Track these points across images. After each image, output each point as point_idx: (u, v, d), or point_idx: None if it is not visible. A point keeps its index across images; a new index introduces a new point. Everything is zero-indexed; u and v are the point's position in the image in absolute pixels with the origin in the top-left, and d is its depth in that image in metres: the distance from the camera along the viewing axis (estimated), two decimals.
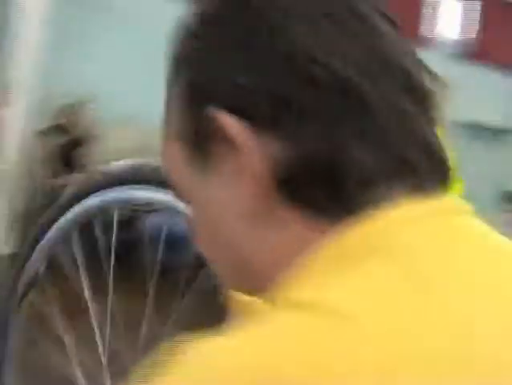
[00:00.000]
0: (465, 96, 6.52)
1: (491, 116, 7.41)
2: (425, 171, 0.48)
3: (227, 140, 0.48)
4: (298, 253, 0.48)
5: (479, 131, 7.47)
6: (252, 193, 0.48)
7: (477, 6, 7.57)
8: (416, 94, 0.49)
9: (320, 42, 0.46)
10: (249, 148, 0.47)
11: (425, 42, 7.00)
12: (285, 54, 0.47)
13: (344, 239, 0.46)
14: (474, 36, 7.55)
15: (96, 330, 1.32)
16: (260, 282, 0.53)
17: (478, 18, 7.58)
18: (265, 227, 0.50)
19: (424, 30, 7.20)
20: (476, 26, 7.54)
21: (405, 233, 0.46)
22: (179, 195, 0.59)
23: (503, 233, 0.54)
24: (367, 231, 0.46)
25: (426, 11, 7.23)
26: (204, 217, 0.56)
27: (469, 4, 7.49)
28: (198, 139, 0.51)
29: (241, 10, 0.49)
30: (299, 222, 0.48)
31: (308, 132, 0.46)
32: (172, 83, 0.54)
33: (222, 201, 0.52)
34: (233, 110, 0.47)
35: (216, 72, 0.49)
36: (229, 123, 0.47)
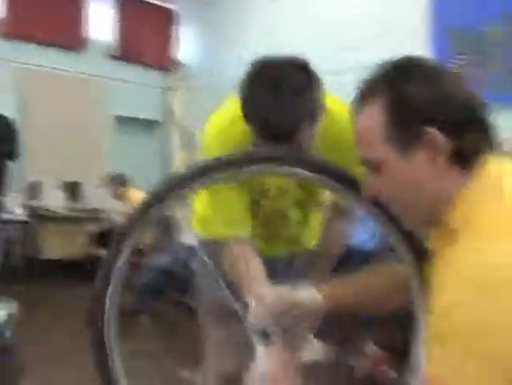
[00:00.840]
0: (116, 92, 7.73)
1: (141, 110, 8.32)
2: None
3: (431, 142, 1.06)
4: (457, 190, 1.07)
5: (131, 123, 8.29)
6: (440, 165, 1.07)
7: (122, 8, 8.15)
8: None
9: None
10: (442, 146, 1.06)
11: (82, 43, 7.72)
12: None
13: (481, 180, 1.06)
14: (121, 37, 8.14)
15: None
16: (435, 214, 1.10)
17: (119, 20, 8.09)
18: (444, 179, 1.08)
19: (81, 32, 7.71)
20: (124, 28, 8.16)
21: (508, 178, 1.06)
22: (373, 168, 1.15)
23: None
24: (490, 176, 1.06)
25: (82, 14, 7.69)
26: (403, 181, 1.11)
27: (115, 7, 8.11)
28: (409, 140, 1.08)
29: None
30: (457, 174, 1.08)
31: (467, 140, 1.07)
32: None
33: (420, 168, 1.08)
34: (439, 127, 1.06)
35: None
36: (438, 137, 1.06)
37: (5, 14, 7.05)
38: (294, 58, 1.60)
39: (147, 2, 8.34)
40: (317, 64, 1.60)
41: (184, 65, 8.50)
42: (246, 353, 1.68)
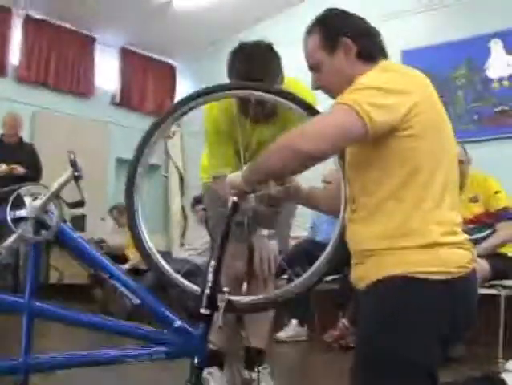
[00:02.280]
0: (119, 136, 8.45)
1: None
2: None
3: (345, 46, 1.82)
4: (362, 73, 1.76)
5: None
6: (352, 58, 1.83)
7: (126, 60, 9.01)
8: None
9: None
10: (351, 48, 1.82)
11: (91, 91, 8.54)
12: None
13: (378, 66, 1.80)
14: (123, 86, 8.94)
15: None
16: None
17: (121, 70, 8.92)
18: (354, 67, 1.81)
19: (90, 80, 8.54)
20: (127, 79, 9.00)
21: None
22: (315, 69, 1.89)
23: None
24: (381, 64, 1.81)
25: (92, 64, 8.53)
26: (332, 71, 1.85)
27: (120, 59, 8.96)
28: (333, 45, 1.84)
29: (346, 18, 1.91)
30: (363, 65, 1.81)
31: (366, 45, 1.83)
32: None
33: (342, 63, 1.83)
34: (349, 37, 1.82)
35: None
36: (349, 42, 1.82)
37: (23, 60, 7.88)
38: (262, 41, 2.52)
39: (149, 56, 9.21)
40: None
41: None
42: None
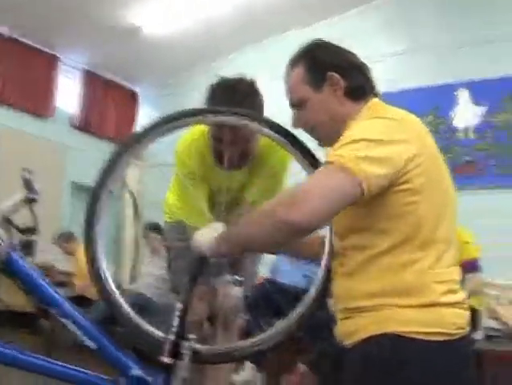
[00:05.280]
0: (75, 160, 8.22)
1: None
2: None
3: (332, 81, 1.66)
4: (351, 113, 1.65)
5: (87, 191, 8.36)
6: (340, 95, 1.66)
7: (88, 83, 8.79)
8: None
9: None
10: (339, 83, 1.66)
11: (50, 111, 8.23)
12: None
13: (366, 109, 1.64)
14: (84, 109, 8.73)
15: None
16: (343, 129, 1.59)
17: (83, 93, 8.71)
18: (343, 104, 1.66)
19: (50, 100, 8.25)
20: (88, 102, 8.77)
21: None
22: (299, 106, 1.71)
23: None
24: (372, 104, 1.67)
25: (53, 84, 8.25)
26: (317, 109, 1.68)
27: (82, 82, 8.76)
28: (319, 81, 1.67)
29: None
30: (352, 103, 1.66)
31: (355, 82, 1.68)
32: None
33: (329, 100, 1.67)
34: (336, 71, 1.66)
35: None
36: (337, 77, 1.65)
37: None
38: (244, 77, 2.33)
39: (112, 80, 9.01)
40: None
41: None
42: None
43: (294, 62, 1.74)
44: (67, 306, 1.69)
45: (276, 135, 1.89)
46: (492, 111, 6.10)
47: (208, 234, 1.66)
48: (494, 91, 6.06)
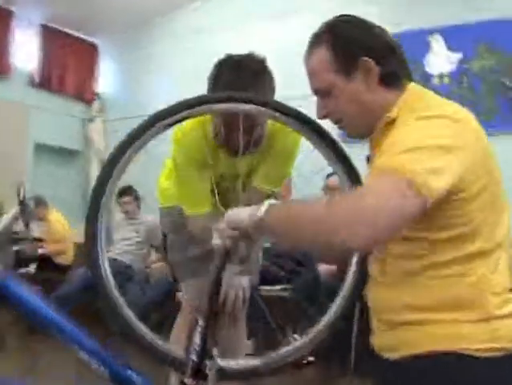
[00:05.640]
0: (38, 120, 7.96)
1: (61, 139, 8.47)
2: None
3: (365, 67, 1.47)
4: (385, 102, 1.48)
5: (51, 152, 8.44)
6: (373, 82, 1.48)
7: (46, 38, 8.32)
8: None
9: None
10: (373, 70, 1.46)
11: (7, 70, 7.82)
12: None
13: (408, 92, 1.48)
14: (44, 66, 8.29)
15: None
16: (375, 121, 1.49)
17: (41, 48, 8.24)
18: (375, 93, 1.48)
19: (6, 58, 7.81)
20: (48, 58, 8.32)
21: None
22: (324, 94, 1.53)
23: None
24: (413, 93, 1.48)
25: (8, 41, 7.82)
26: (346, 99, 1.50)
27: (40, 36, 8.28)
28: (349, 67, 1.48)
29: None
30: (386, 91, 1.48)
31: (390, 67, 1.48)
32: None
33: (360, 88, 1.48)
34: (369, 56, 1.46)
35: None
36: (371, 63, 1.46)
37: None
38: (253, 53, 2.09)
39: (71, 34, 8.59)
40: None
41: (103, 97, 8.77)
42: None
43: (316, 40, 1.53)
44: (73, 330, 1.53)
45: (296, 123, 1.74)
46: (467, 57, 5.98)
47: (243, 215, 1.45)
48: (469, 38, 5.93)
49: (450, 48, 6.02)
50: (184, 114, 1.75)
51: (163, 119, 1.73)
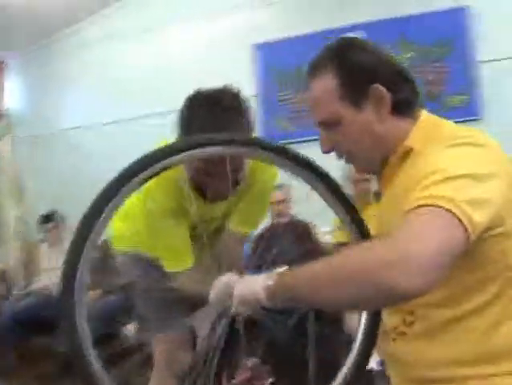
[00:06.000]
0: None
1: None
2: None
3: (376, 96, 1.36)
4: (400, 132, 1.38)
5: None
6: (385, 112, 1.36)
7: None
8: None
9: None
10: (385, 98, 1.36)
11: None
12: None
13: (424, 121, 1.40)
14: None
15: None
16: (388, 153, 1.38)
17: None
18: (385, 122, 1.37)
19: None
20: None
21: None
22: (329, 125, 1.39)
23: None
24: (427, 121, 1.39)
25: None
26: (356, 131, 1.37)
27: None
28: (359, 95, 1.37)
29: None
30: (398, 123, 1.38)
31: (403, 94, 1.38)
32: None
33: (371, 118, 1.36)
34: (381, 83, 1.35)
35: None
36: (383, 91, 1.36)
37: None
38: (226, 86, 1.89)
39: None
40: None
41: (11, 114, 8.23)
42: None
43: (320, 66, 1.40)
44: None
45: (288, 161, 1.51)
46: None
47: (252, 281, 1.28)
48: (389, 33, 5.87)
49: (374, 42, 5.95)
50: (165, 162, 1.46)
51: (141, 171, 1.43)
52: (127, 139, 6.40)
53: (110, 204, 1.36)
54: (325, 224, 4.26)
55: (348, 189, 4.27)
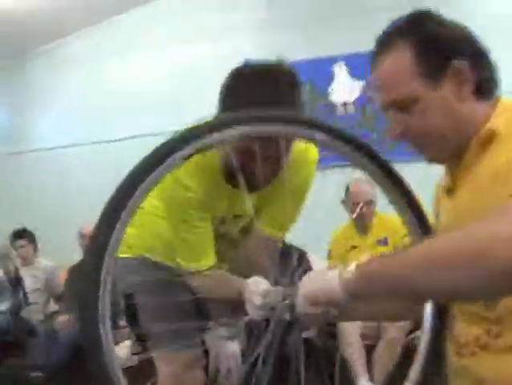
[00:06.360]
0: None
1: None
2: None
3: (457, 74, 1.20)
4: (482, 116, 1.22)
5: None
6: (465, 92, 1.21)
7: None
8: None
9: None
10: (468, 77, 1.21)
11: None
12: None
13: (504, 107, 1.23)
14: None
15: None
16: (467, 138, 1.23)
17: None
18: (464, 103, 1.22)
19: None
20: None
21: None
22: (402, 106, 1.25)
23: None
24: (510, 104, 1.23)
25: None
26: (435, 112, 1.22)
27: None
28: (437, 73, 1.22)
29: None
30: (476, 102, 1.23)
31: (486, 73, 1.24)
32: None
33: (449, 98, 1.22)
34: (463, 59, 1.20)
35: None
36: (466, 68, 1.20)
37: None
38: (279, 58, 1.69)
39: None
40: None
41: None
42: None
43: (390, 40, 1.24)
44: None
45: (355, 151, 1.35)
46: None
47: (322, 278, 1.15)
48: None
49: (353, 76, 5.99)
50: (206, 140, 1.23)
51: (181, 148, 1.21)
52: (101, 159, 6.41)
53: (143, 184, 1.15)
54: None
55: (347, 213, 4.26)
